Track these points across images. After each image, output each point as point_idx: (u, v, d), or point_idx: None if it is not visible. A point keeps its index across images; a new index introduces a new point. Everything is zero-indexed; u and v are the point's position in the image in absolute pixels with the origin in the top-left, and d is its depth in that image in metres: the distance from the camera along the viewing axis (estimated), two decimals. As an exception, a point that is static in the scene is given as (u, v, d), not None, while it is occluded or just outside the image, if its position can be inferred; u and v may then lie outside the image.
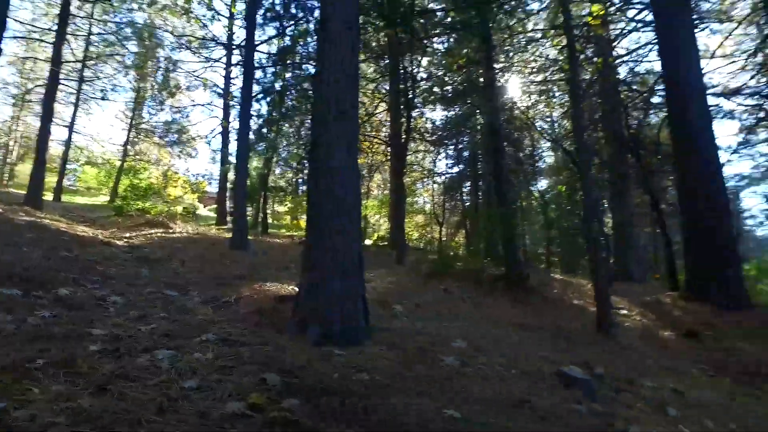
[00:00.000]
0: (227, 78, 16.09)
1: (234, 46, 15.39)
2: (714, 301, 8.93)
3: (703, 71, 11.43)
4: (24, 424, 1.51)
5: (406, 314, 4.99)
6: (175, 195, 17.34)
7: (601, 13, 10.54)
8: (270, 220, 15.22)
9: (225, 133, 15.99)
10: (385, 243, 15.21)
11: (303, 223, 17.81)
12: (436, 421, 2.09)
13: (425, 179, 23.09)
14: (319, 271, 3.39)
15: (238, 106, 16.09)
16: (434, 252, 13.12)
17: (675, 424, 2.85)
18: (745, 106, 11.76)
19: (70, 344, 2.42)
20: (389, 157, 16.49)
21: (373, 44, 13.55)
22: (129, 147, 16.49)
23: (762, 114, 11.60)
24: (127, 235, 7.28)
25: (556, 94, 16.06)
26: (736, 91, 12.04)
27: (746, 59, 11.14)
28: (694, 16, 11.78)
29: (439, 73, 14.61)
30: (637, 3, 12.73)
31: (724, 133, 26.55)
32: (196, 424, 1.64)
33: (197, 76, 16.11)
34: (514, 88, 14.92)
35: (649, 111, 14.07)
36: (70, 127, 16.93)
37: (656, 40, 11.78)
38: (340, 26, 3.70)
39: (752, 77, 11.61)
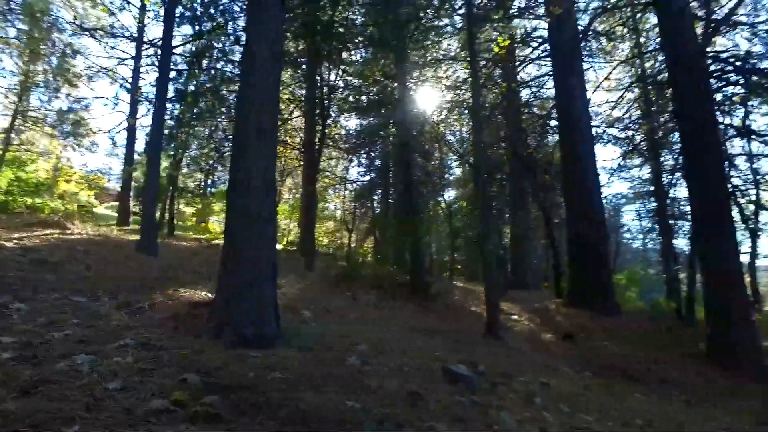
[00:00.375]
0: (136, 73, 15.26)
1: (147, 42, 14.68)
2: (591, 307, 10.26)
3: (590, 102, 13.06)
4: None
5: (314, 319, 5.28)
6: (68, 191, 15.88)
7: (506, 44, 11.63)
8: (175, 222, 14.63)
9: (131, 131, 15.10)
10: (294, 248, 15.30)
11: (212, 226, 17.33)
12: (339, 411, 2.43)
13: (337, 186, 23.47)
14: (235, 280, 3.60)
15: (148, 104, 15.50)
16: (343, 258, 13.47)
17: (539, 411, 3.44)
18: (622, 134, 13.50)
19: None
20: (302, 163, 16.60)
21: (291, 50, 13.63)
22: (13, 135, 14.94)
23: (637, 141, 13.41)
24: (17, 236, 6.76)
25: (465, 111, 17.20)
26: (616, 121, 13.83)
27: (621, 95, 12.83)
28: (585, 53, 13.38)
29: (356, 83, 15.00)
30: (538, 37, 14.13)
31: (610, 157, 29.78)
32: (124, 420, 1.84)
33: (102, 67, 15.09)
34: (426, 102, 15.79)
35: (546, 134, 15.58)
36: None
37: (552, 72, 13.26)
38: (266, 54, 3.94)
39: (626, 111, 13.41)
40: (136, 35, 15.26)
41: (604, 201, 13.10)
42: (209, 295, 4.50)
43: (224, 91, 12.37)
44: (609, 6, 10.89)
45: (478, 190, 7.67)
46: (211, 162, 15.71)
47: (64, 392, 1.99)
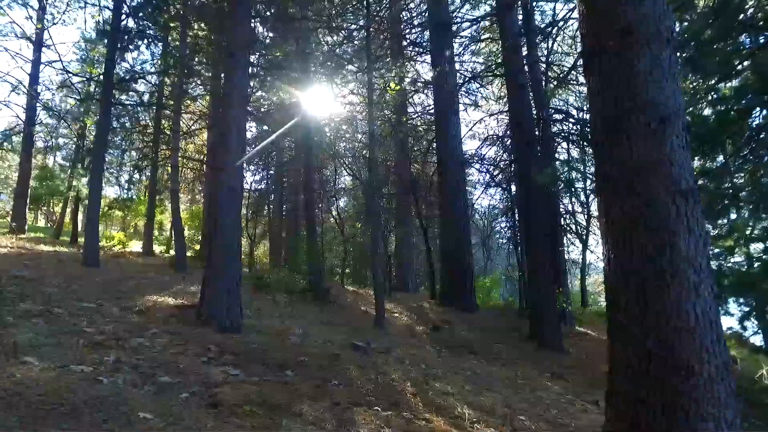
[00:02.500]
0: (34, 77, 15.36)
1: (47, 45, 14.96)
2: (455, 306, 13.26)
3: (463, 140, 16.35)
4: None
5: (251, 315, 7.25)
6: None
7: (398, 88, 14.29)
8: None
9: (29, 138, 15.14)
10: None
11: (120, 235, 17.93)
12: (296, 362, 4.61)
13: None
14: (214, 288, 5.56)
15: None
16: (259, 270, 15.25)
17: (407, 366, 5.86)
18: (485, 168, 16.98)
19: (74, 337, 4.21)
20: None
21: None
22: None
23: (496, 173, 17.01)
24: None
25: (359, 131, 19.79)
26: (482, 158, 17.33)
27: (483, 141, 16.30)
28: (459, 100, 16.65)
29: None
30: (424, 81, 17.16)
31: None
32: (189, 365, 3.86)
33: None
34: (324, 115, 18.05)
35: (427, 160, 18.66)
36: None
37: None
38: (237, 106, 5.93)
39: (488, 147, 16.94)
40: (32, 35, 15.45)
41: (479, 210, 16.65)
42: (183, 301, 6.33)
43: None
44: (476, 75, 14.09)
45: (368, 205, 10.11)
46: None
47: (152, 355, 3.94)
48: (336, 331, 7.27)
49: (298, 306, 9.48)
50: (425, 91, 18.04)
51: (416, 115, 19.20)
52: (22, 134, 16.28)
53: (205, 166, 18.65)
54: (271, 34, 12.34)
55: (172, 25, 10.55)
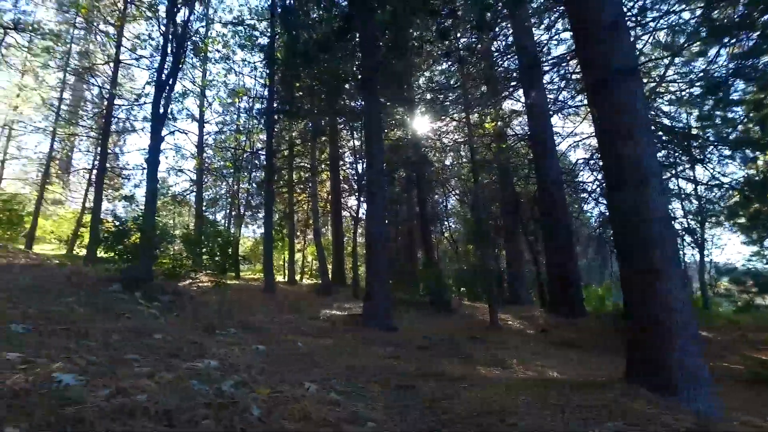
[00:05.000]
0: (200, 148, 20.23)
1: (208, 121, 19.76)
2: (564, 313, 14.98)
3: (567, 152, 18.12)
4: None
5: (399, 323, 9.99)
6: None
7: (494, 124, 16.64)
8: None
9: (199, 195, 20.15)
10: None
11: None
12: (427, 345, 7.17)
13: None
14: (374, 302, 8.35)
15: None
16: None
17: (517, 353, 8.11)
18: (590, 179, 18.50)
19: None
20: (330, 207, 21.82)
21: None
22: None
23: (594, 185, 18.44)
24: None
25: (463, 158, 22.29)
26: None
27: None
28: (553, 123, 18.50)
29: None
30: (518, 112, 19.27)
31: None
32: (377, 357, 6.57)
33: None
34: (432, 146, 21.02)
35: (529, 182, 20.56)
36: None
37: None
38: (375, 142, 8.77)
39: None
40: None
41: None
42: (346, 313, 9.29)
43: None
44: (563, 107, 16.00)
45: (476, 227, 12.57)
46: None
47: (345, 343, 6.73)
48: (458, 330, 9.75)
49: (425, 316, 12.12)
50: (521, 117, 20.07)
51: (516, 139, 21.24)
52: (194, 193, 21.15)
53: (328, 204, 22.51)
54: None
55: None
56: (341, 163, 22.85)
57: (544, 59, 17.38)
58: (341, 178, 22.34)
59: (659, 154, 16.68)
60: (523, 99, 18.00)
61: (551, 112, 17.83)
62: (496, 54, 18.91)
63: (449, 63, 15.77)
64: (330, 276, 21.69)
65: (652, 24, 12.12)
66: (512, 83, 18.48)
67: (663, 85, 14.84)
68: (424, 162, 18.90)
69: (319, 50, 10.03)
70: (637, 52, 13.19)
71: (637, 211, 4.92)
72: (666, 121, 16.29)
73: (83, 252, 20.63)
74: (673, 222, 4.94)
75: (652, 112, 15.98)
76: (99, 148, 20.74)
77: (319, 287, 16.54)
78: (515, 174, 20.71)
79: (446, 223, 27.45)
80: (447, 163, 24.42)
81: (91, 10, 19.00)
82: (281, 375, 3.79)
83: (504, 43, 18.72)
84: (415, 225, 22.41)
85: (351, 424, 2.87)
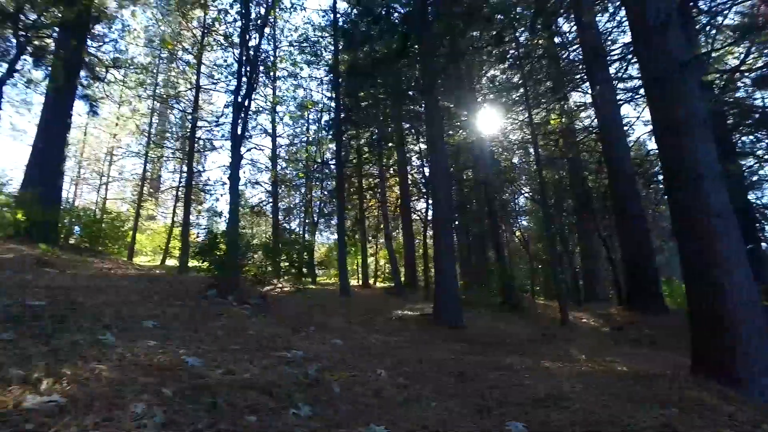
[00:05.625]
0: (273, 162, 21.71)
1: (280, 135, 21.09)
2: (642, 310, 14.59)
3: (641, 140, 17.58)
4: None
5: (466, 321, 10.36)
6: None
7: (557, 121, 16.53)
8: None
9: (275, 205, 21.68)
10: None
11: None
12: (496, 342, 7.50)
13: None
14: (443, 301, 8.80)
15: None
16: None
17: (580, 348, 8.25)
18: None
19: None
20: (400, 212, 22.45)
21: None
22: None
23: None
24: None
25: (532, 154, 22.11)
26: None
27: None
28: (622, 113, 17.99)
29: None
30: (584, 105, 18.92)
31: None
32: (445, 347, 7.02)
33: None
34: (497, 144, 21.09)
35: (600, 176, 20.07)
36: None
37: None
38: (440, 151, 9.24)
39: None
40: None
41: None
42: (417, 312, 9.80)
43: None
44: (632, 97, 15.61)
45: (545, 226, 12.62)
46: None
47: (416, 338, 7.22)
48: (528, 328, 9.97)
49: (496, 315, 12.36)
50: (589, 110, 19.66)
51: (584, 133, 20.80)
52: (271, 203, 22.57)
53: (398, 209, 23.15)
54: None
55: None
56: (409, 167, 23.41)
57: (610, 49, 16.99)
58: (409, 182, 22.89)
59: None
60: (589, 91, 17.66)
61: (620, 102, 17.35)
62: (559, 48, 18.69)
63: (508, 64, 15.87)
64: (402, 278, 22.30)
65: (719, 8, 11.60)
66: (577, 76, 18.19)
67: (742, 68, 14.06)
68: (491, 161, 19.04)
69: (378, 68, 10.64)
70: (704, 41, 12.72)
71: (695, 206, 5.02)
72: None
73: (172, 262, 22.70)
74: (735, 214, 5.01)
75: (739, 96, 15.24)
76: (185, 167, 22.73)
77: (392, 289, 17.16)
78: (586, 169, 20.30)
79: (518, 221, 27.30)
80: (515, 161, 24.37)
81: (174, 44, 20.91)
82: (356, 363, 4.37)
83: (566, 36, 18.50)
84: (485, 225, 22.49)
85: (416, 402, 3.38)
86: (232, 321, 5.66)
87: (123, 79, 21.23)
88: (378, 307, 11.78)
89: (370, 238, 26.05)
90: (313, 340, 5.45)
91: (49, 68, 15.35)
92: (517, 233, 26.02)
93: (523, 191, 23.81)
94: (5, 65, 14.14)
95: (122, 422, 2.09)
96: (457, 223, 27.19)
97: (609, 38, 17.40)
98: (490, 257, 22.14)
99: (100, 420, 2.05)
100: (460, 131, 20.29)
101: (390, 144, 21.20)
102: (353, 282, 23.59)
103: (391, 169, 23.57)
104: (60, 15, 13.24)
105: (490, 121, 19.46)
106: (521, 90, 17.34)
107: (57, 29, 14.90)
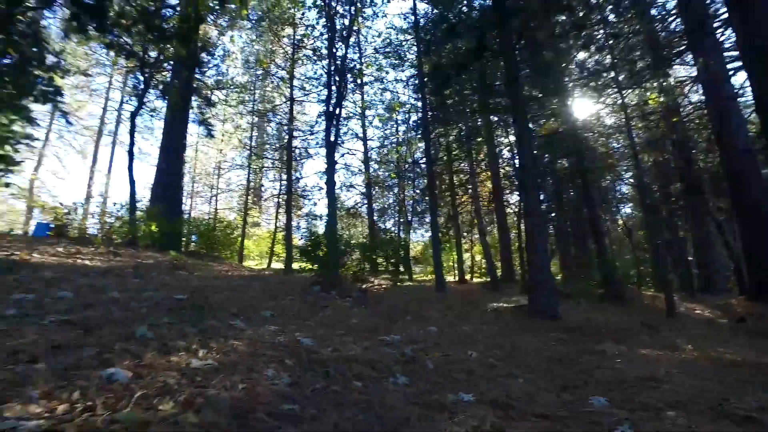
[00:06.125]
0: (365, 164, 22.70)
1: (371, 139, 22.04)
2: (764, 299, 13.41)
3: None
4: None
5: (563, 313, 10.33)
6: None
7: (657, 101, 15.65)
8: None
9: (370, 206, 22.54)
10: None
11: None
12: (595, 332, 7.51)
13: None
14: (539, 293, 8.92)
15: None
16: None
17: (684, 342, 7.95)
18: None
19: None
20: (494, 205, 22.38)
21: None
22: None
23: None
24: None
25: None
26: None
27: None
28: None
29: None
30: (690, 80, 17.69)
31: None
32: (544, 335, 7.19)
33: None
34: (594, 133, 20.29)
35: (711, 155, 18.62)
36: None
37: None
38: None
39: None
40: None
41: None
42: (512, 305, 9.97)
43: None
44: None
45: (647, 212, 12.13)
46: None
47: (511, 327, 7.44)
48: (630, 319, 9.72)
49: (596, 306, 12.11)
50: (694, 85, 18.33)
51: (691, 109, 19.40)
52: (366, 205, 23.61)
53: (491, 203, 23.09)
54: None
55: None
56: (500, 160, 23.28)
57: (717, 13, 15.82)
58: (501, 175, 22.76)
59: None
60: (693, 64, 16.48)
61: (731, 72, 16.00)
62: (656, 22, 17.64)
63: (594, 48, 15.32)
64: (499, 273, 22.20)
65: None
66: (675, 50, 17.04)
67: None
68: (586, 149, 18.42)
69: (459, 68, 10.92)
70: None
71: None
72: None
73: (277, 264, 24.49)
74: None
75: None
76: (284, 175, 24.46)
77: (488, 285, 17.27)
78: (694, 148, 18.92)
79: (621, 209, 25.98)
80: (615, 145, 23.21)
81: (268, 62, 22.66)
82: (450, 347, 4.79)
83: (663, 8, 17.41)
84: (584, 214, 21.76)
85: (503, 378, 3.74)
86: (336, 312, 6.34)
87: (225, 98, 23.36)
88: (473, 300, 12.05)
89: (465, 233, 26.23)
90: (409, 328, 5.95)
91: (167, 98, 17.41)
92: (620, 221, 24.80)
93: (624, 177, 22.64)
94: (135, 99, 16.31)
95: (259, 381, 2.71)
96: (553, 214, 26.57)
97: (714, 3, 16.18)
98: (590, 247, 21.35)
99: (244, 378, 2.69)
100: (552, 119, 19.89)
101: (479, 139, 21.28)
102: (449, 278, 23.91)
103: (482, 163, 23.61)
104: (174, 51, 15.00)
105: (582, 107, 18.84)
106: (612, 72, 16.68)
107: (172, 63, 16.88)
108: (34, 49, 12.18)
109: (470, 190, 22.76)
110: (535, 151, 20.38)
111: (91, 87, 32.49)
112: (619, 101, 17.37)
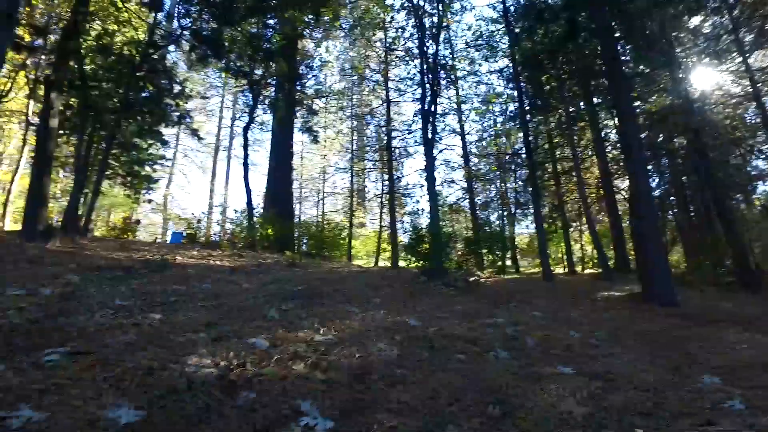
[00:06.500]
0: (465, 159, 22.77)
1: (469, 133, 22.01)
2: None
3: None
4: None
5: (682, 301, 9.73)
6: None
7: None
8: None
9: (473, 200, 22.67)
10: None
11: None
12: (711, 317, 7.04)
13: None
14: (651, 277, 8.53)
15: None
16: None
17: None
18: None
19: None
20: (602, 192, 21.29)
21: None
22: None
23: None
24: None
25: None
26: None
27: None
28: None
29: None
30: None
31: None
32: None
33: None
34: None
35: None
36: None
37: None
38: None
39: None
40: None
41: None
42: (624, 294, 9.61)
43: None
44: None
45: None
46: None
47: (623, 314, 7.21)
48: (761, 308, 8.91)
49: (723, 294, 11.21)
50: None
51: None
52: (467, 199, 23.64)
53: (601, 190, 21.97)
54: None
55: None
56: (606, 144, 22.06)
57: None
58: (609, 160, 21.56)
59: None
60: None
61: None
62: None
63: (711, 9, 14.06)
64: (612, 263, 21.06)
65: None
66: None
67: None
68: (704, 123, 16.85)
69: (552, 53, 10.67)
70: None
71: None
72: None
73: (384, 263, 25.31)
74: None
75: None
76: (385, 175, 25.23)
77: (600, 275, 16.56)
78: None
79: (755, 186, 23.32)
80: (747, 116, 20.92)
81: (362, 67, 23.58)
82: (552, 328, 4.89)
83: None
84: (709, 195, 19.97)
85: (604, 356, 3.81)
86: (441, 299, 6.67)
87: (325, 106, 24.64)
88: (582, 289, 11.71)
89: (572, 223, 25.24)
90: (513, 312, 6.10)
91: (273, 111, 18.87)
92: (757, 201, 22.35)
93: (758, 150, 20.40)
94: (245, 115, 17.94)
95: (372, 352, 3.11)
96: (672, 198, 24.52)
97: None
98: (718, 232, 19.55)
99: (359, 349, 3.11)
100: (663, 95, 18.51)
101: (581, 123, 20.36)
102: (559, 271, 23.14)
103: (588, 149, 22.54)
104: (277, 67, 16.27)
105: (697, 78, 17.33)
106: (732, 35, 15.16)
107: (275, 78, 18.28)
108: (164, 82, 13.94)
109: (575, 178, 21.86)
110: (645, 132, 19.14)
111: (207, 108, 36.04)
112: (742, 66, 15.77)
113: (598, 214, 28.60)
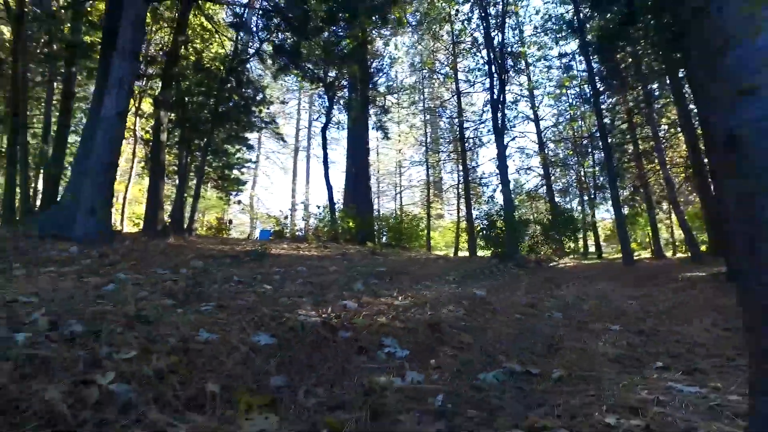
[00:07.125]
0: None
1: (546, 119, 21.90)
2: None
3: None
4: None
5: None
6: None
7: None
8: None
9: (549, 187, 22.52)
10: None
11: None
12: None
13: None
14: (733, 255, 8.45)
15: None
16: None
17: None
18: None
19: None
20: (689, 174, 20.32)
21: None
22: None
23: None
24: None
25: None
26: None
27: None
28: None
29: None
30: None
31: None
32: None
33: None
34: None
35: None
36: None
37: None
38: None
39: None
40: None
41: None
42: (707, 274, 9.54)
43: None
44: None
45: None
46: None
47: (707, 296, 7.31)
48: None
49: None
50: None
51: None
52: (545, 186, 23.53)
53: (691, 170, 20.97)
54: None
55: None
56: (695, 122, 20.99)
57: None
58: (697, 135, 20.51)
59: None
60: None
61: None
62: None
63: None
64: (704, 247, 20.07)
65: None
66: None
67: None
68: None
69: (623, 28, 10.60)
70: None
71: None
72: None
73: (462, 253, 25.74)
74: None
75: None
76: (460, 166, 25.63)
77: (690, 258, 16.03)
78: None
79: None
80: None
81: (432, 61, 24.10)
82: (611, 300, 5.31)
83: None
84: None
85: (655, 318, 4.23)
86: (510, 277, 7.22)
87: (398, 102, 25.43)
88: (665, 272, 11.60)
89: (659, 206, 24.27)
90: (574, 289, 6.51)
91: (347, 111, 19.93)
92: None
93: None
94: (323, 116, 19.16)
95: (442, 312, 3.80)
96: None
97: None
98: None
99: (432, 309, 3.80)
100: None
101: (664, 100, 19.56)
102: (646, 255, 22.42)
103: (672, 127, 21.56)
104: (349, 69, 17.25)
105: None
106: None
107: (348, 79, 19.31)
108: (248, 91, 15.36)
109: (656, 158, 21.05)
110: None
111: (285, 111, 38.17)
112: None
113: (690, 195, 27.22)
